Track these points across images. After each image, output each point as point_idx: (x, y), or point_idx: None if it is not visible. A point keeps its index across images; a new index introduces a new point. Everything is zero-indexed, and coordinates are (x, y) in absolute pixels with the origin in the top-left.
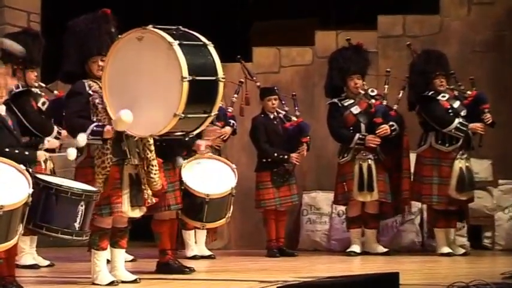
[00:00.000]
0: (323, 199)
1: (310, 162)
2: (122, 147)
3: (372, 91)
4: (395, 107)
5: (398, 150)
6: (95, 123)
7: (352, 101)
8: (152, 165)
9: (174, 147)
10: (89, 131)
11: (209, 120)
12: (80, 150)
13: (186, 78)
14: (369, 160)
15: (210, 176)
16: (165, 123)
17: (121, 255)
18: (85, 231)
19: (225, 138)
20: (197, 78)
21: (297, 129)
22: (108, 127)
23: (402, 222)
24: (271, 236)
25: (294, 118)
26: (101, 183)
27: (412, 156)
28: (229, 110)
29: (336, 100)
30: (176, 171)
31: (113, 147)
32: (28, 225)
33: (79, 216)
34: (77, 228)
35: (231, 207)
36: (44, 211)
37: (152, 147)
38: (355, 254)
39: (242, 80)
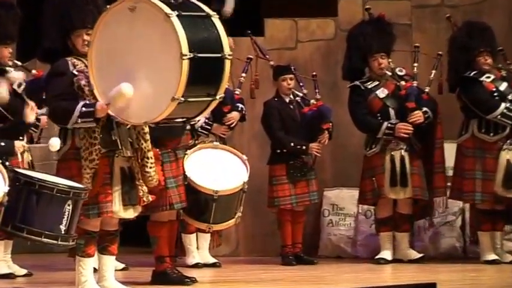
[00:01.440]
0: (347, 197)
1: (333, 154)
2: (112, 136)
3: (400, 70)
4: (427, 89)
5: (430, 140)
6: (82, 103)
7: (376, 82)
8: (147, 158)
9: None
10: (76, 113)
11: (214, 104)
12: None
13: (186, 55)
14: (402, 150)
15: (217, 168)
16: (162, 109)
17: (110, 263)
18: (71, 235)
19: (232, 125)
20: (199, 55)
21: (316, 114)
22: (100, 103)
23: (429, 225)
24: (287, 240)
25: (313, 102)
26: (89, 179)
27: (448, 147)
28: (237, 92)
29: (357, 83)
30: (179, 163)
31: (101, 136)
32: (6, 227)
33: (65, 217)
34: (62, 232)
35: (242, 205)
36: (24, 211)
37: (147, 137)
38: (386, 261)
39: (251, 56)
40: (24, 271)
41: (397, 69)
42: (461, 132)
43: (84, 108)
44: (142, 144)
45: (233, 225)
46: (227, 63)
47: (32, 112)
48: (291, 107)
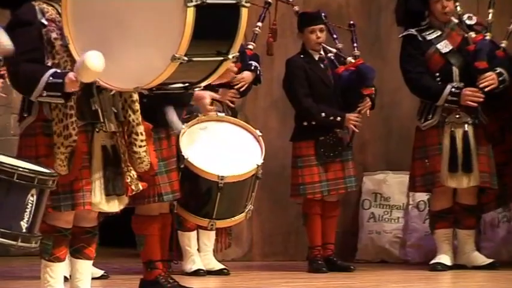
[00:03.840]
0: (394, 184)
1: (376, 128)
2: (91, 105)
3: (470, 18)
4: (503, 43)
5: (505, 113)
6: (51, 71)
7: (439, 32)
8: (136, 134)
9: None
10: (41, 83)
11: (226, 65)
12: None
13: (190, 2)
14: (466, 125)
15: (222, 148)
16: (160, 71)
17: (86, 270)
18: (34, 234)
19: (243, 89)
20: (207, 1)
21: (355, 76)
22: (70, 75)
23: (510, 220)
24: (316, 240)
25: (350, 59)
26: (64, 161)
27: None
28: (250, 47)
29: (413, 31)
30: (171, 141)
31: (78, 105)
32: None
33: (28, 211)
34: (23, 230)
35: (253, 195)
36: None
37: (137, 106)
38: (444, 267)
39: (270, 0)
40: None
41: (465, 16)
42: None
43: (51, 79)
44: (129, 116)
45: (242, 221)
46: (244, 13)
47: None
48: (322, 66)
